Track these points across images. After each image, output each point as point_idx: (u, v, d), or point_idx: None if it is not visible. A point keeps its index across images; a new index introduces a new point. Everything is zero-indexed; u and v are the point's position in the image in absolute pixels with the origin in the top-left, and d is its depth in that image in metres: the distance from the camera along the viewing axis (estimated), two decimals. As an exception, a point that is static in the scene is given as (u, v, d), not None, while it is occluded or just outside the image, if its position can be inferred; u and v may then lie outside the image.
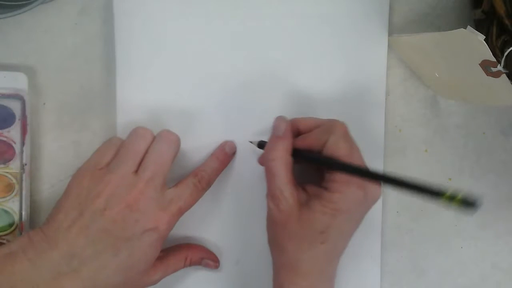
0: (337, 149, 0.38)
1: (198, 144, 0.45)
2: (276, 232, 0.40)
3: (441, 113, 0.48)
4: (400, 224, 0.49)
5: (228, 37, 0.45)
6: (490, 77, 0.38)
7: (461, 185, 0.49)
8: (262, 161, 0.43)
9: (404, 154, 0.48)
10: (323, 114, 0.46)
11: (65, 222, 0.37)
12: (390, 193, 0.48)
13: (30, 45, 0.45)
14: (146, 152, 0.40)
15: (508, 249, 0.50)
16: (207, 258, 0.45)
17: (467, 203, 0.28)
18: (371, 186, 0.39)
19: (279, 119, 0.42)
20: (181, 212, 0.40)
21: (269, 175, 0.40)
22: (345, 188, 0.38)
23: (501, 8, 0.40)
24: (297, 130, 0.42)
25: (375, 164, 0.47)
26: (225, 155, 0.44)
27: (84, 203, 0.38)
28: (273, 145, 0.41)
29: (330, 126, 0.40)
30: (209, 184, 0.43)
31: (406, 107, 0.48)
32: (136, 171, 0.39)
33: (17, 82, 0.43)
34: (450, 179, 0.49)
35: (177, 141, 0.42)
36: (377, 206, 0.47)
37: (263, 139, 0.43)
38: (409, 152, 0.48)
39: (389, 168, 0.48)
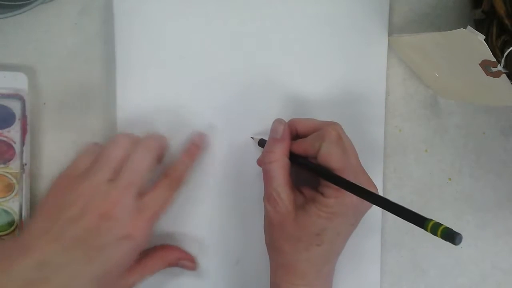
0: (329, 156, 0.38)
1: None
2: (273, 234, 0.40)
3: (441, 113, 0.48)
4: (400, 224, 0.49)
5: (228, 37, 0.45)
6: (490, 77, 0.38)
7: (461, 185, 0.49)
8: (260, 162, 0.43)
9: (404, 154, 0.48)
10: (323, 114, 0.46)
11: (39, 229, 0.37)
12: (390, 193, 0.48)
13: (30, 45, 0.45)
14: (125, 159, 0.39)
15: (508, 249, 0.50)
16: (183, 259, 0.45)
17: (447, 237, 0.30)
18: (366, 187, 0.40)
19: (277, 121, 0.42)
20: (156, 216, 0.40)
21: (267, 177, 0.40)
22: (339, 193, 0.38)
23: (501, 8, 0.40)
24: (295, 132, 0.42)
25: (375, 164, 0.47)
26: (196, 149, 0.44)
27: (58, 212, 0.37)
28: (270, 147, 0.41)
29: (323, 132, 0.39)
30: (182, 183, 0.42)
31: (406, 107, 0.48)
32: (113, 179, 0.39)
33: (17, 82, 0.43)
34: (450, 179, 0.49)
35: (159, 148, 0.41)
36: (377, 206, 0.47)
37: (265, 138, 0.43)
38: (409, 152, 0.48)
39: (389, 168, 0.48)
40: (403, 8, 0.47)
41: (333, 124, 0.40)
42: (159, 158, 0.41)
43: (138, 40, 0.44)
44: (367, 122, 0.47)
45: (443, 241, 0.49)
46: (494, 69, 0.37)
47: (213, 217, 0.46)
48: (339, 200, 0.38)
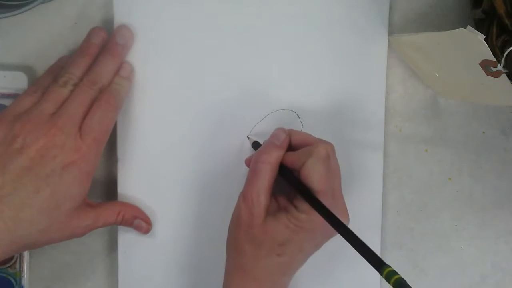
0: (312, 173, 0.38)
1: (197, 143, 0.45)
2: (238, 233, 0.40)
3: (441, 113, 0.48)
4: (400, 224, 0.49)
5: (228, 37, 0.45)
6: (490, 77, 0.38)
7: (461, 185, 0.49)
8: (249, 162, 0.43)
9: (404, 154, 0.48)
10: (323, 114, 0.46)
11: None
12: (390, 193, 0.48)
13: (30, 45, 0.45)
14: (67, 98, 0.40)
15: (508, 249, 0.50)
16: (139, 217, 0.44)
17: (399, 287, 0.30)
18: (340, 214, 0.40)
19: (281, 129, 0.42)
20: (99, 140, 0.40)
21: (253, 176, 0.40)
22: (312, 211, 0.38)
23: (501, 8, 0.40)
24: (289, 142, 0.42)
25: (375, 164, 0.47)
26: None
27: (2, 145, 0.37)
28: (267, 149, 0.41)
29: (312, 148, 0.39)
30: (119, 96, 0.42)
31: (406, 107, 0.48)
32: (55, 113, 0.39)
33: (17, 81, 0.43)
34: (450, 179, 0.49)
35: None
36: (377, 206, 0.47)
37: (260, 142, 0.44)
38: (409, 152, 0.48)
39: (389, 168, 0.48)
40: (403, 7, 0.47)
41: (325, 143, 0.40)
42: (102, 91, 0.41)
43: (138, 40, 0.44)
44: (367, 122, 0.47)
45: (443, 241, 0.49)
46: (494, 69, 0.37)
47: (213, 217, 0.46)
48: (311, 217, 0.38)
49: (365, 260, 0.47)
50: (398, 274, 0.31)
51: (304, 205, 0.38)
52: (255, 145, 0.44)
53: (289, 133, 0.42)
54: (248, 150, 0.46)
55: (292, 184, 0.40)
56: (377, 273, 0.47)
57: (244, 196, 0.40)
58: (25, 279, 0.44)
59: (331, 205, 0.39)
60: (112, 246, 0.46)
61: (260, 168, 0.40)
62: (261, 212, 0.39)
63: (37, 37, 0.45)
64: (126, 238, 0.45)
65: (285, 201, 0.40)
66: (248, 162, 0.44)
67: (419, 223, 0.49)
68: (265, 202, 0.39)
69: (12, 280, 0.44)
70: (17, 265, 0.44)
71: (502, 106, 0.49)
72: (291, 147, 0.42)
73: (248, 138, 0.45)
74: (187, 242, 0.46)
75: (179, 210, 0.46)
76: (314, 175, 0.38)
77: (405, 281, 0.30)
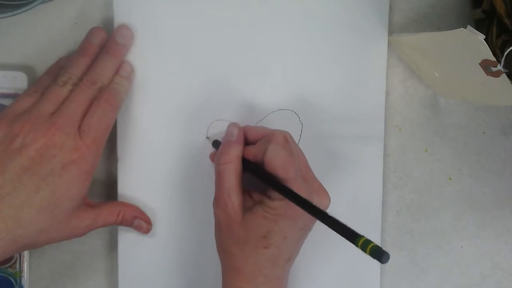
0: (275, 159, 0.38)
1: (197, 143, 0.45)
2: (223, 237, 0.41)
3: (441, 113, 0.48)
4: (400, 224, 0.49)
5: (228, 37, 0.45)
6: (490, 77, 0.38)
7: (461, 185, 0.49)
8: (213, 157, 0.43)
9: (404, 154, 0.48)
10: (323, 114, 0.46)
11: None
12: (390, 193, 0.48)
13: (30, 45, 0.45)
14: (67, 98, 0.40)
15: (508, 249, 0.50)
16: (139, 218, 0.44)
17: (376, 254, 0.30)
18: (317, 195, 0.40)
19: (232, 125, 0.43)
20: (99, 140, 0.40)
21: (219, 179, 0.41)
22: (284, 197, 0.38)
23: (501, 8, 0.40)
24: (245, 139, 0.42)
25: (375, 164, 0.47)
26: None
27: (1, 145, 0.37)
28: (225, 149, 0.41)
29: (270, 136, 0.40)
30: (119, 95, 0.42)
31: (406, 107, 0.48)
32: (54, 113, 0.39)
33: (17, 81, 0.43)
34: (450, 178, 0.49)
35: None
36: (377, 206, 0.47)
37: (219, 140, 0.44)
38: (409, 152, 0.48)
39: (389, 168, 0.48)
40: (403, 7, 0.47)
41: (281, 130, 0.41)
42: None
43: (138, 40, 0.44)
44: (367, 122, 0.47)
45: (443, 241, 0.49)
46: (494, 69, 0.37)
47: (212, 218, 0.46)
48: (284, 202, 0.38)
49: (365, 259, 0.47)
50: (373, 242, 0.31)
51: (276, 193, 0.39)
52: (216, 144, 0.44)
53: (245, 129, 0.42)
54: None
55: (257, 175, 0.40)
56: (377, 272, 0.48)
57: (217, 201, 0.41)
58: (25, 279, 0.44)
59: (305, 187, 0.39)
60: (112, 246, 0.46)
61: (223, 169, 0.40)
62: (237, 211, 0.40)
63: (37, 37, 0.45)
64: (126, 238, 0.45)
65: (259, 195, 0.41)
66: (212, 158, 0.44)
67: (419, 223, 0.49)
68: (238, 201, 0.40)
69: (12, 280, 0.44)
70: (17, 265, 0.44)
71: (502, 106, 0.49)
72: (249, 143, 0.42)
73: (208, 138, 0.45)
74: (187, 242, 0.46)
75: (179, 210, 0.46)
76: (277, 160, 0.38)
77: (381, 248, 0.30)
